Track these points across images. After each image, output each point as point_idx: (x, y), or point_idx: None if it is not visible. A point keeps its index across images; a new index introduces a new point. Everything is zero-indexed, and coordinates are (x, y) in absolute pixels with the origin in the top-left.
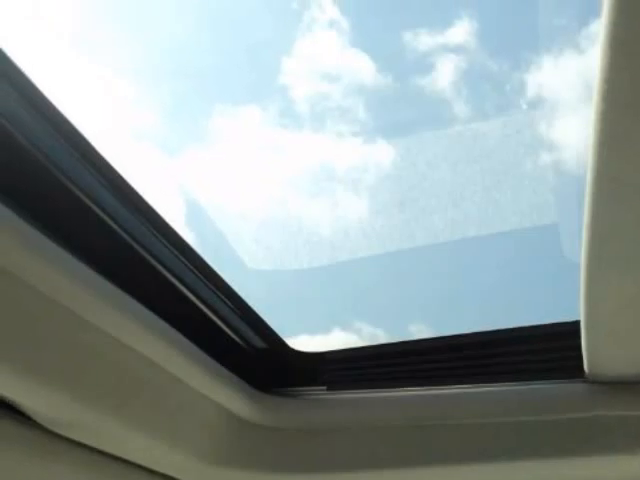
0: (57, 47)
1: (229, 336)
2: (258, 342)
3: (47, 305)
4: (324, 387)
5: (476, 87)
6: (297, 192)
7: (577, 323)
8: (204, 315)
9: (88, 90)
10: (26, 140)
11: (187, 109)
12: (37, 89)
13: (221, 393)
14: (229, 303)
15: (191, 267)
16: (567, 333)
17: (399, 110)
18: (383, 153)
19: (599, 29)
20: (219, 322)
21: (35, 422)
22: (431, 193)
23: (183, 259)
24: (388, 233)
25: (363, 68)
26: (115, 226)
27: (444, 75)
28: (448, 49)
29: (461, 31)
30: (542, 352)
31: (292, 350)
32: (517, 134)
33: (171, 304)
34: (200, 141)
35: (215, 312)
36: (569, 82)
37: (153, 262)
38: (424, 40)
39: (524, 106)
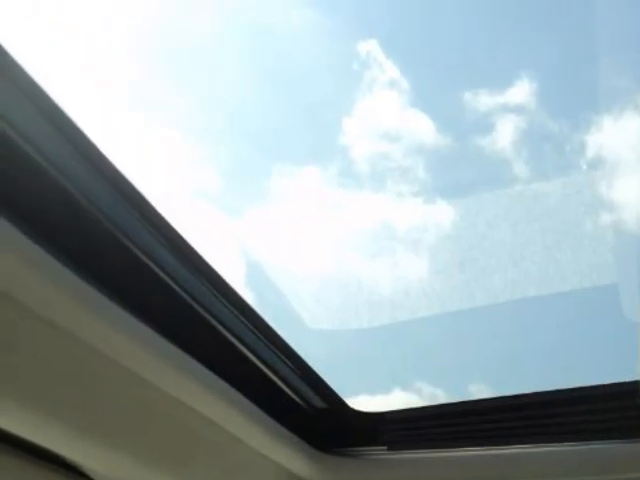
0: (118, 106)
1: (289, 396)
2: (318, 402)
3: (107, 365)
4: (384, 447)
5: (536, 147)
6: (357, 252)
7: (637, 383)
8: (264, 375)
9: (149, 150)
10: (87, 200)
11: (248, 169)
12: (97, 148)
13: (281, 453)
14: (289, 363)
15: (251, 327)
16: (627, 393)
17: (459, 170)
18: (443, 213)
19: None
20: (279, 382)
21: None
22: (491, 253)
23: (243, 319)
24: (448, 293)
25: (423, 128)
26: (175, 286)
27: (504, 135)
28: (508, 109)
29: (521, 91)
30: (602, 412)
31: (352, 410)
32: (577, 194)
33: (231, 364)
34: (260, 201)
35: (275, 372)
36: (629, 142)
37: (213, 322)
38: (484, 100)
39: (584, 166)
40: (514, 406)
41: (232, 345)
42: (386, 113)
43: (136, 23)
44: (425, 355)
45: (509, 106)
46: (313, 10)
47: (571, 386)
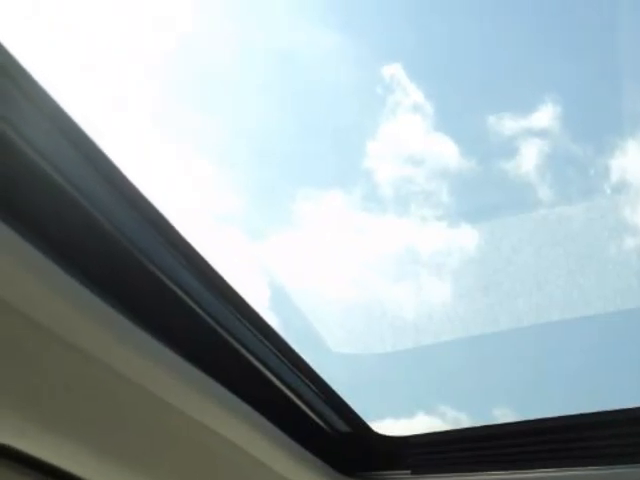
0: (144, 131)
1: (313, 420)
2: (342, 426)
3: (131, 389)
4: (408, 471)
5: (560, 171)
6: (381, 276)
7: None
8: (288, 399)
9: (174, 174)
10: (111, 223)
11: (272, 193)
12: (121, 172)
13: (305, 477)
14: (313, 387)
15: (274, 350)
16: None
17: (483, 194)
18: (467, 237)
19: None
20: (303, 406)
21: None
22: (515, 277)
23: (266, 342)
24: (472, 317)
25: (447, 152)
26: (199, 309)
27: (528, 159)
28: (532, 133)
29: (545, 115)
30: (626, 436)
31: (376, 434)
32: (601, 218)
33: (255, 387)
34: (284, 225)
35: (299, 396)
36: None
37: (236, 345)
38: (508, 124)
39: (608, 190)
40: (538, 430)
41: (256, 369)
42: (410, 137)
43: (165, 49)
44: (449, 379)
45: (533, 130)
46: (338, 35)
47: (595, 410)
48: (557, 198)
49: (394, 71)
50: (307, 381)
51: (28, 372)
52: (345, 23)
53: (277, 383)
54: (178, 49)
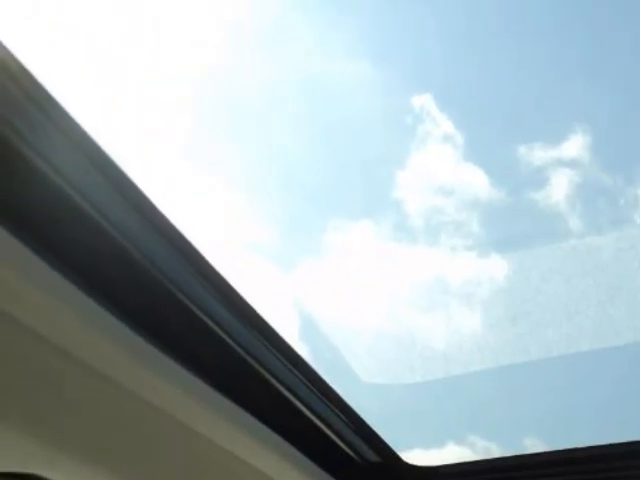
0: (175, 161)
1: (343, 450)
2: (372, 456)
3: (161, 418)
4: None
5: (590, 201)
6: (411, 306)
7: None
8: (318, 429)
9: (204, 204)
10: (141, 253)
11: (301, 223)
12: (151, 202)
13: None
14: (343, 417)
15: (304, 380)
16: None
17: (513, 224)
18: (497, 267)
19: None
20: (333, 436)
21: None
22: (545, 307)
23: (296, 372)
24: (502, 347)
25: (477, 182)
26: (229, 339)
27: (558, 189)
28: (562, 163)
29: (575, 145)
30: None
31: (406, 464)
32: (631, 248)
33: (285, 417)
34: (314, 255)
35: (329, 426)
36: None
37: (267, 375)
38: (538, 154)
39: (638, 220)
40: (568, 460)
41: (286, 398)
42: (440, 167)
43: (196, 80)
44: (479, 409)
45: (563, 160)
46: (367, 64)
47: (625, 440)
48: (587, 228)
49: (424, 101)
50: (337, 411)
51: (59, 403)
52: (375, 53)
53: (307, 413)
54: (209, 80)
